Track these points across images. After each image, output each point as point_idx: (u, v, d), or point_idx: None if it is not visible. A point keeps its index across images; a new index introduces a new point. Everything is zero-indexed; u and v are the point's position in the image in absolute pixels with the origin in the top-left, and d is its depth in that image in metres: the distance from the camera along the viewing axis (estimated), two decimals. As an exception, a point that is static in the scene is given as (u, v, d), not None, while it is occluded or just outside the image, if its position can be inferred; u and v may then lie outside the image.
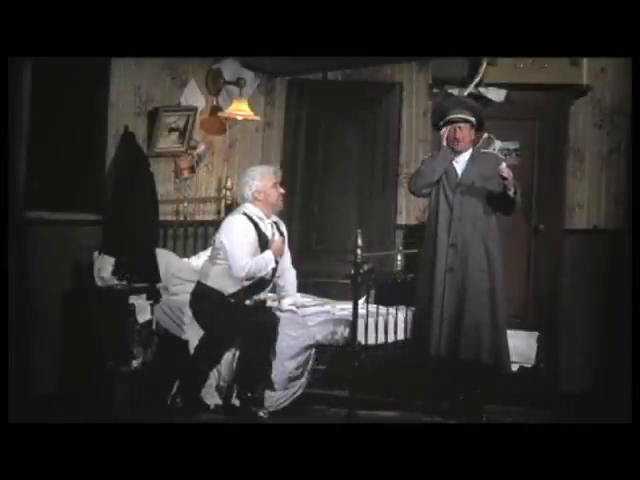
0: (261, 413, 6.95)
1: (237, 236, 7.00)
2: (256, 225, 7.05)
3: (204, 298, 7.08)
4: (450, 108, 7.10)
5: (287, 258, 7.34)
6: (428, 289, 7.04)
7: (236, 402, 7.10)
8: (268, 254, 7.03)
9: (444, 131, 7.08)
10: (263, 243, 7.06)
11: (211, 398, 7.17)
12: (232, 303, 7.03)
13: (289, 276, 7.39)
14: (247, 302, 7.08)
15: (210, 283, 7.06)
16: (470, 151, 7.12)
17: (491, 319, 6.93)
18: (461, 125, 7.02)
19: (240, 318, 7.02)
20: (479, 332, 6.89)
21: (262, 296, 7.18)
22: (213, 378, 7.18)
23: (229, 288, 7.04)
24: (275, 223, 7.21)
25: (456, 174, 7.05)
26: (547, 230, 7.81)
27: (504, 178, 6.80)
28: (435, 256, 7.01)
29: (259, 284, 7.10)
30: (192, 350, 7.16)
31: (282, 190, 7.20)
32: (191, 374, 7.12)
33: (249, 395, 7.00)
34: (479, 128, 7.16)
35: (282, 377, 7.07)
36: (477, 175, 7.02)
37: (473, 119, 7.05)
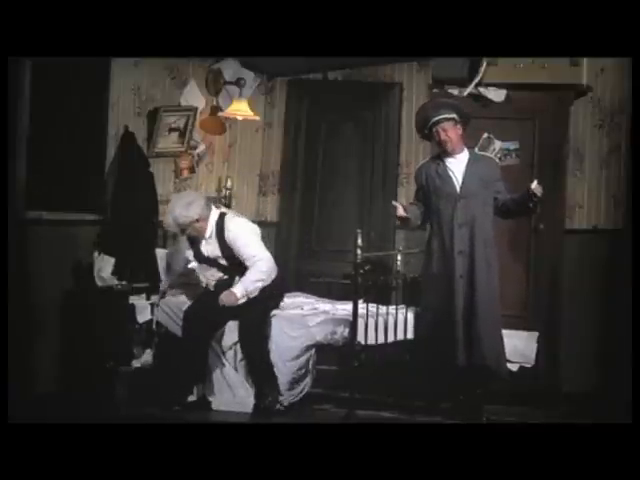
0: (278, 406, 6.97)
1: None
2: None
3: None
4: (428, 113, 6.97)
5: (245, 250, 7.08)
6: (440, 296, 6.94)
7: (249, 399, 7.10)
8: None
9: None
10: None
11: (212, 396, 7.18)
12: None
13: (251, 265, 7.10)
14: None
15: None
16: (467, 154, 7.01)
17: (491, 324, 6.93)
18: (443, 125, 6.88)
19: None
20: (484, 337, 6.88)
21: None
22: (218, 376, 7.19)
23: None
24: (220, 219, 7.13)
25: (452, 181, 6.96)
26: (547, 230, 7.78)
27: (536, 196, 6.78)
28: (443, 263, 6.96)
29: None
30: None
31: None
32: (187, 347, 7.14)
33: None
34: (464, 122, 6.98)
35: (286, 379, 7.06)
36: (478, 179, 6.93)
37: (453, 115, 6.91)
